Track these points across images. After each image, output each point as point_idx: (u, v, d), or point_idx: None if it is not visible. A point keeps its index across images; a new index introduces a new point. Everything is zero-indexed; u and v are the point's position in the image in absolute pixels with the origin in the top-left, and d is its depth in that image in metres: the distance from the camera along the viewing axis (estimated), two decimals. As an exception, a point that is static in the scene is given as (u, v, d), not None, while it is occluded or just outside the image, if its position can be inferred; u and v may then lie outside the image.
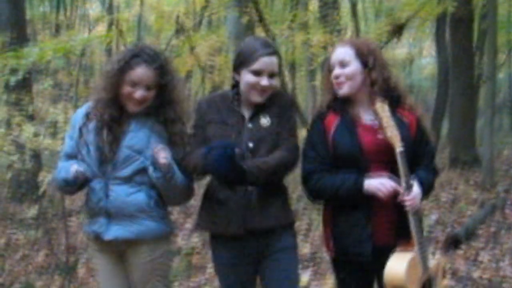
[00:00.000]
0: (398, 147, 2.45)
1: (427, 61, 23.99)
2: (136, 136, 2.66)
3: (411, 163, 2.53)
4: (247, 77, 2.64)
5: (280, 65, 2.75)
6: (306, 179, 2.67)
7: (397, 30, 6.81)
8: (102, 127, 2.66)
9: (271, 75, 2.65)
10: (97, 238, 2.71)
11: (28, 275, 6.18)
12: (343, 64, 2.60)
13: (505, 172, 10.00)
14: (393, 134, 2.45)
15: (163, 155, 2.52)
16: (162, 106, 2.70)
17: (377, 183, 2.48)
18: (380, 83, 2.57)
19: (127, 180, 2.64)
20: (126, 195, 2.63)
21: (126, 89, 2.62)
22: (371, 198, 2.51)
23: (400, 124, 2.54)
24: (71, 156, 2.73)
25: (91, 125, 2.69)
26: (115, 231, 2.65)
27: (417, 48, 24.55)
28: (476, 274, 4.84)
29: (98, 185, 2.66)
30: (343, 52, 2.62)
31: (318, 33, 7.00)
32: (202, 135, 2.70)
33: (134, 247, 2.70)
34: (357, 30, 6.21)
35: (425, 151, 2.65)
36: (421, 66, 24.25)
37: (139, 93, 2.62)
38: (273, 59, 2.65)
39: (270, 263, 2.67)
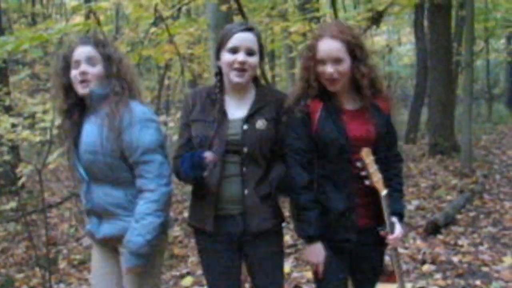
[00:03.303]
0: (383, 191, 2.51)
1: (407, 47, 24.08)
2: (88, 137, 2.62)
3: (384, 148, 2.60)
4: (225, 57, 2.56)
5: (261, 47, 2.62)
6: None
7: (376, 17, 6.81)
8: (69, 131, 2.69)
9: (249, 53, 2.54)
10: (92, 236, 2.78)
11: (9, 268, 6.13)
12: (337, 61, 2.49)
13: (483, 158, 10.12)
14: (377, 178, 2.51)
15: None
16: (109, 78, 2.66)
17: (313, 257, 2.60)
18: (368, 76, 2.53)
19: (104, 180, 2.63)
20: (104, 194, 2.63)
21: (72, 72, 2.64)
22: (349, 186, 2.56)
23: (378, 113, 2.58)
24: None
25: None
26: (104, 230, 2.69)
27: (396, 36, 24.66)
28: (455, 259, 4.91)
29: (84, 187, 2.69)
30: (336, 49, 2.48)
31: (297, 21, 6.96)
32: (187, 135, 2.66)
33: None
34: (335, 18, 6.18)
35: (392, 140, 2.69)
36: (400, 53, 24.34)
37: (82, 68, 2.60)
38: (249, 35, 2.55)
39: (256, 242, 2.65)
